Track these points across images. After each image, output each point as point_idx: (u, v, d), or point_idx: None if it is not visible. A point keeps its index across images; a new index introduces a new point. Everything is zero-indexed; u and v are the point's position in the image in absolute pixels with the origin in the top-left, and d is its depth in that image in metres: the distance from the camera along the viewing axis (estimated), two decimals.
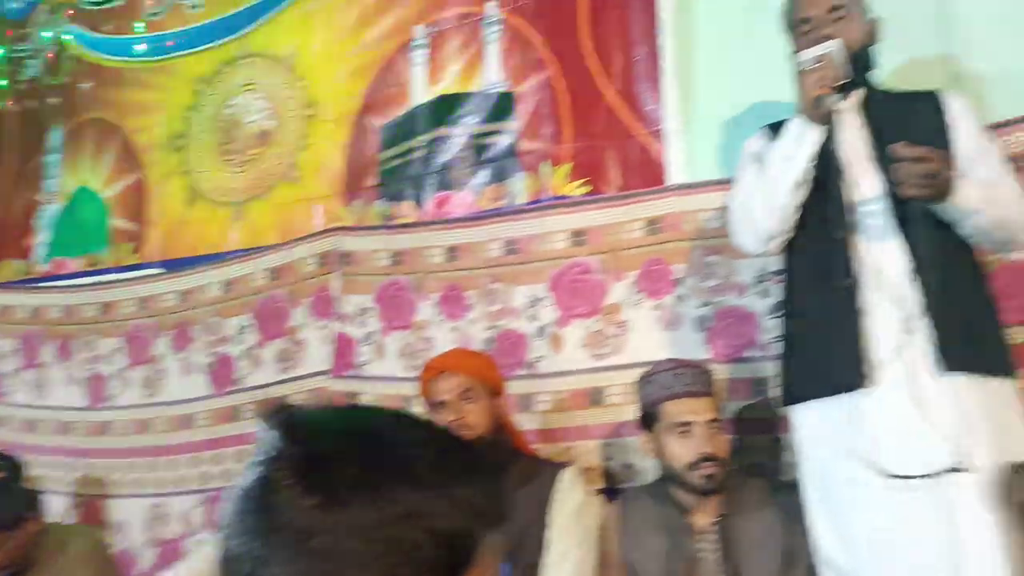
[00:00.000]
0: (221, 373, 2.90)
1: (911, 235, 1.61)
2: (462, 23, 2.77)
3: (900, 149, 1.57)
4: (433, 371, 2.09)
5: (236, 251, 2.99)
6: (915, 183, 1.57)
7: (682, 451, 1.86)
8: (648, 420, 1.93)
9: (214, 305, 2.97)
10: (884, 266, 1.66)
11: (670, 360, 2.01)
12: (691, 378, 1.91)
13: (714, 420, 1.88)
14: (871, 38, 1.80)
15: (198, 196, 3.15)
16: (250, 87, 3.15)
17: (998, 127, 1.95)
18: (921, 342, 1.60)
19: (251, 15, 3.17)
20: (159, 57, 3.34)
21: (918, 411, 1.56)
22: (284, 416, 0.67)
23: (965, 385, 1.58)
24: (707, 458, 1.84)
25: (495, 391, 2.08)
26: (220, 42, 3.22)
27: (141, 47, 3.39)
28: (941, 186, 1.59)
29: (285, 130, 3.05)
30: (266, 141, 3.07)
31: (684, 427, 1.86)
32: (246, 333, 2.88)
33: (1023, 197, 1.72)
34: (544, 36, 2.63)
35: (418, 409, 2.30)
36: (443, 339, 2.53)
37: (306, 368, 2.74)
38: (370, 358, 2.64)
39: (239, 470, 0.70)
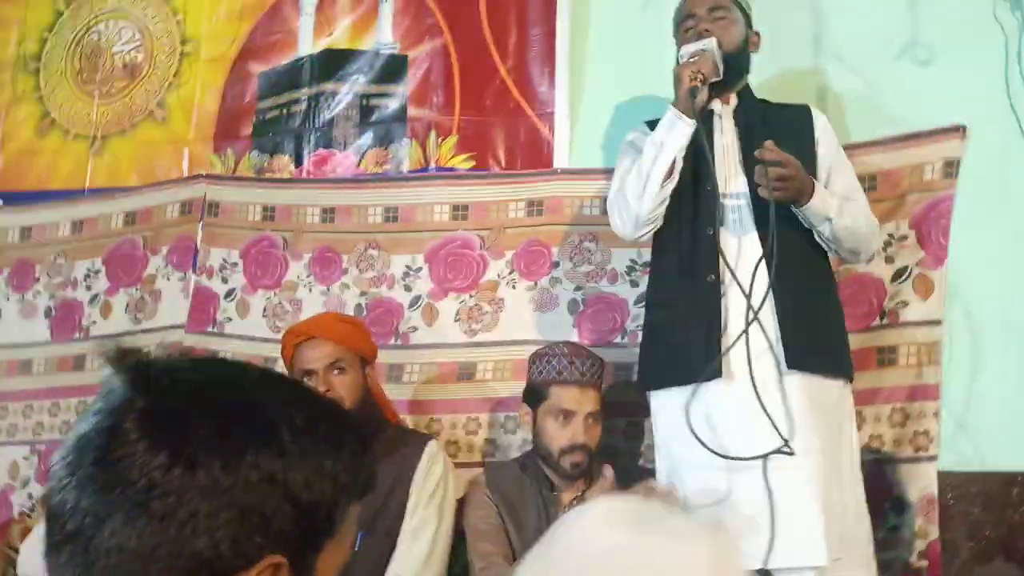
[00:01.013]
0: (65, 319, 2.71)
1: (768, 233, 1.71)
2: None
3: (765, 150, 1.68)
4: (301, 335, 1.99)
5: (91, 189, 2.79)
6: (774, 185, 1.68)
7: (559, 436, 1.93)
8: (533, 396, 1.98)
9: (61, 245, 2.76)
10: (740, 260, 1.77)
11: (568, 344, 2.05)
12: (584, 368, 1.96)
13: (594, 412, 1.95)
14: (748, 46, 1.92)
15: (52, 125, 2.91)
16: (118, 14, 2.92)
17: (853, 147, 2.09)
18: (770, 337, 1.72)
19: None
20: None
21: (758, 404, 1.67)
22: (138, 362, 0.61)
23: (805, 383, 1.72)
24: (579, 447, 1.92)
25: (367, 361, 2.02)
26: None
27: None
28: (797, 191, 1.72)
29: (155, 65, 2.85)
30: (133, 75, 2.87)
31: (566, 414, 1.93)
32: (95, 278, 2.70)
33: (871, 213, 1.89)
34: (440, 1, 2.57)
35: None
36: (312, 302, 2.46)
37: (160, 320, 2.60)
38: (232, 316, 2.54)
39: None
